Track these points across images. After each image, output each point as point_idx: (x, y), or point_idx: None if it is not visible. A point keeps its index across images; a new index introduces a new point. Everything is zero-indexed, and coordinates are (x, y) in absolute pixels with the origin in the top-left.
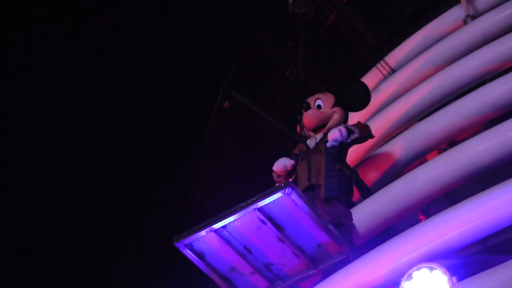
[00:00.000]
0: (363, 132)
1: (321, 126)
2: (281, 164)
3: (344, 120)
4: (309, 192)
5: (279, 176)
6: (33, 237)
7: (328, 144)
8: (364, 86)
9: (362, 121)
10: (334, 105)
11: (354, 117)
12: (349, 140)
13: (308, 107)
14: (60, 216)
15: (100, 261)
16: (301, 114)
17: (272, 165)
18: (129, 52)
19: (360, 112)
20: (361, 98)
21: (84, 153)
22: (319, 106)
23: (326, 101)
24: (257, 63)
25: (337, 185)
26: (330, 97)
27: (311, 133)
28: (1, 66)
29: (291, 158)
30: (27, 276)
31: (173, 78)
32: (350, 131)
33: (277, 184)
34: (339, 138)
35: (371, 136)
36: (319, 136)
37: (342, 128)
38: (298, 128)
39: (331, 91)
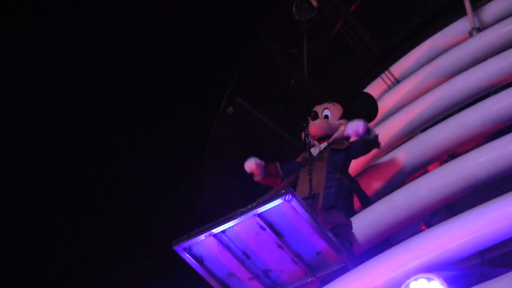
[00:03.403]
0: (377, 139)
1: (327, 136)
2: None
3: None
4: (309, 200)
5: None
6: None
7: (349, 132)
8: (373, 100)
9: None
10: (342, 117)
11: None
12: (366, 136)
13: (315, 117)
14: (62, 218)
15: (102, 264)
16: (308, 122)
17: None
18: (134, 55)
19: None
20: (369, 112)
21: (87, 156)
22: (326, 116)
23: (334, 111)
24: (263, 70)
25: (335, 194)
26: (338, 108)
27: (315, 142)
28: None
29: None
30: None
31: (178, 83)
32: (369, 130)
33: (277, 191)
34: (359, 131)
35: (379, 146)
36: (323, 145)
37: (362, 125)
38: (302, 135)
39: (339, 102)
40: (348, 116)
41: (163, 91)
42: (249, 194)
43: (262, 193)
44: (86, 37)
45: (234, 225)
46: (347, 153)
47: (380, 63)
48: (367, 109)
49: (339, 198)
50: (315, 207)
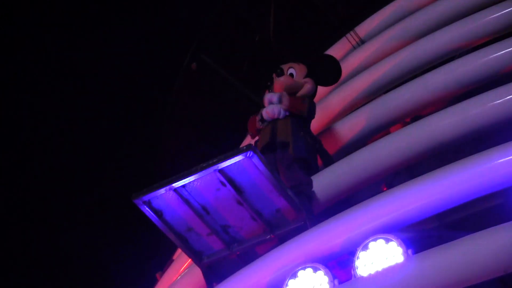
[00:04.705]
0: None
1: (292, 94)
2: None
3: (314, 91)
4: (271, 156)
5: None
6: None
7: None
8: (337, 62)
9: (328, 91)
10: (306, 76)
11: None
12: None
13: (281, 73)
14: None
15: (63, 222)
16: (272, 80)
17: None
18: (99, 10)
19: None
20: (333, 74)
21: (51, 117)
22: (291, 75)
23: (299, 70)
24: (228, 27)
25: (304, 147)
26: (302, 67)
27: None
28: None
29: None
30: None
31: (141, 38)
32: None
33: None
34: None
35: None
36: None
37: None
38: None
39: (303, 62)
40: (312, 76)
41: (126, 45)
42: (209, 152)
43: (222, 150)
44: None
45: (195, 179)
46: (309, 111)
47: (346, 23)
48: (331, 72)
49: (307, 152)
50: (277, 164)
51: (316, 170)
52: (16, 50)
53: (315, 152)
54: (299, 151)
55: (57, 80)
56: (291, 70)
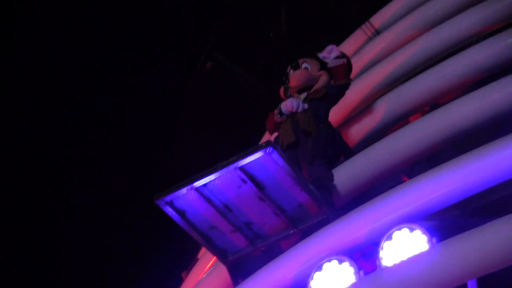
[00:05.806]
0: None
1: (307, 87)
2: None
3: (329, 84)
4: (292, 151)
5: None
6: None
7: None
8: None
9: None
10: (320, 70)
11: None
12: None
13: (297, 67)
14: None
15: (81, 225)
16: (287, 74)
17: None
18: (114, 7)
19: None
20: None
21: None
22: (306, 68)
23: (312, 65)
24: (242, 25)
25: (325, 140)
26: (315, 62)
27: (295, 95)
28: None
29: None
30: None
31: (157, 37)
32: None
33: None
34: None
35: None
36: (303, 96)
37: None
38: (281, 90)
39: (315, 58)
40: (326, 68)
41: (141, 44)
42: (226, 149)
43: (239, 148)
44: None
45: (216, 178)
46: (326, 101)
47: (361, 13)
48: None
49: (329, 144)
50: (303, 153)
51: (335, 163)
52: (16, 50)
53: (336, 144)
54: (320, 145)
55: (64, 79)
56: (305, 65)
